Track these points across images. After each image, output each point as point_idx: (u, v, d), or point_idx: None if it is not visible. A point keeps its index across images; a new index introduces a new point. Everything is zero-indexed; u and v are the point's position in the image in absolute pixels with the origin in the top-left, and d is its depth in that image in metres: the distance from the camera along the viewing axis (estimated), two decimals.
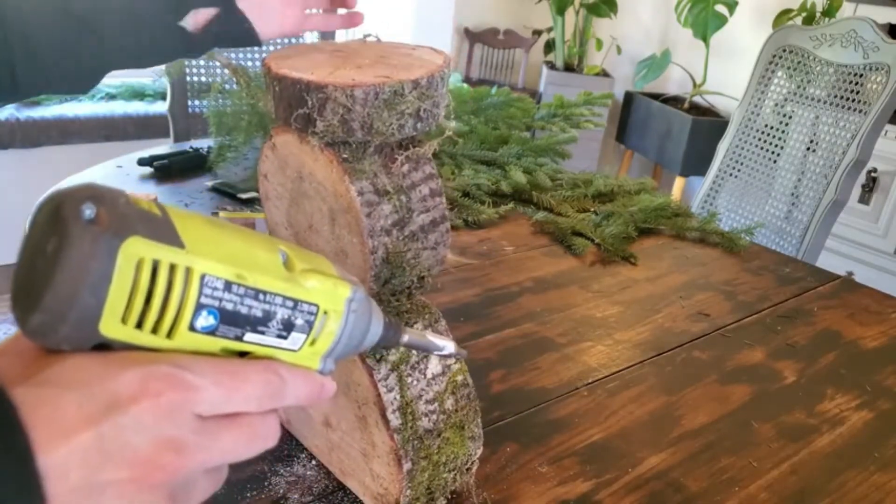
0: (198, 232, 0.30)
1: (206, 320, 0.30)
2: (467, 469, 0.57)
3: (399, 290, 0.54)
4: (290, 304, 0.33)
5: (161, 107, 2.56)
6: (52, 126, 2.43)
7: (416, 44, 0.55)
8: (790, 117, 1.73)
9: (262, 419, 0.32)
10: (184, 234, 0.29)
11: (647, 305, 0.96)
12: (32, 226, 0.28)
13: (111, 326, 0.28)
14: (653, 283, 1.03)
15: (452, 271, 1.01)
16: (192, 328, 0.30)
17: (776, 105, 1.77)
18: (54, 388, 0.27)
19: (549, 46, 3.60)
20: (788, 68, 1.75)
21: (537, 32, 3.59)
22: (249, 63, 1.85)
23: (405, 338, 0.41)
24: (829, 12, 2.65)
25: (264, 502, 0.57)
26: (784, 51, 1.75)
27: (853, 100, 1.62)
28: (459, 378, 0.55)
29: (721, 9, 2.86)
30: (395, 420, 0.51)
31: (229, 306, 0.30)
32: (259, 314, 0.31)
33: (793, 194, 1.68)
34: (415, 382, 0.52)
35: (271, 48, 1.88)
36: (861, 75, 1.61)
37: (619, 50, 3.51)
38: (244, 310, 0.31)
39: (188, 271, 0.29)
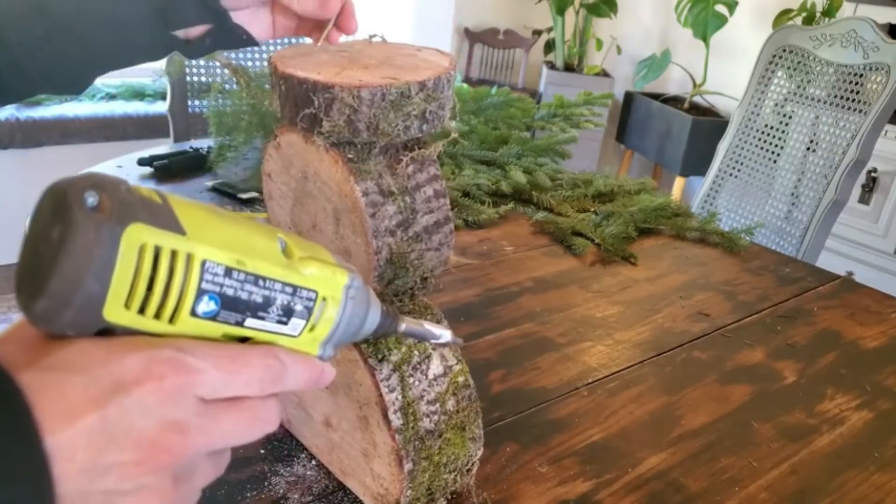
0: (198, 219, 0.30)
1: (207, 305, 0.30)
2: (468, 470, 0.57)
3: (402, 290, 0.54)
4: (289, 290, 0.33)
5: (161, 107, 2.56)
6: (52, 126, 2.43)
7: (421, 45, 0.55)
8: (790, 117, 1.73)
9: (262, 403, 0.33)
10: (184, 221, 0.30)
11: (647, 305, 0.96)
12: (36, 214, 0.29)
13: (115, 312, 0.28)
14: (653, 283, 1.03)
15: (453, 271, 1.01)
16: (193, 313, 0.30)
17: (776, 105, 1.77)
18: (59, 372, 0.28)
19: (549, 46, 3.60)
20: (788, 68, 1.75)
21: (537, 32, 3.59)
22: (249, 63, 1.85)
23: (402, 326, 0.42)
24: (829, 12, 2.66)
25: (264, 502, 0.57)
26: (784, 51, 1.75)
27: (853, 100, 1.62)
28: (461, 379, 0.55)
29: (721, 9, 2.86)
30: (396, 420, 0.51)
31: (230, 292, 0.31)
32: (259, 300, 0.32)
33: (793, 194, 1.69)
34: (417, 383, 0.53)
35: (272, 48, 1.88)
36: (861, 75, 1.61)
37: (619, 50, 3.51)
38: (244, 295, 0.31)
39: (189, 257, 0.29)
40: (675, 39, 3.38)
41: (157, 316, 0.29)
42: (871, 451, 0.70)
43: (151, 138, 2.53)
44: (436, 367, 0.54)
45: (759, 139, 1.77)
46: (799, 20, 2.73)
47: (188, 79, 1.83)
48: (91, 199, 0.27)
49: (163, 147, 1.40)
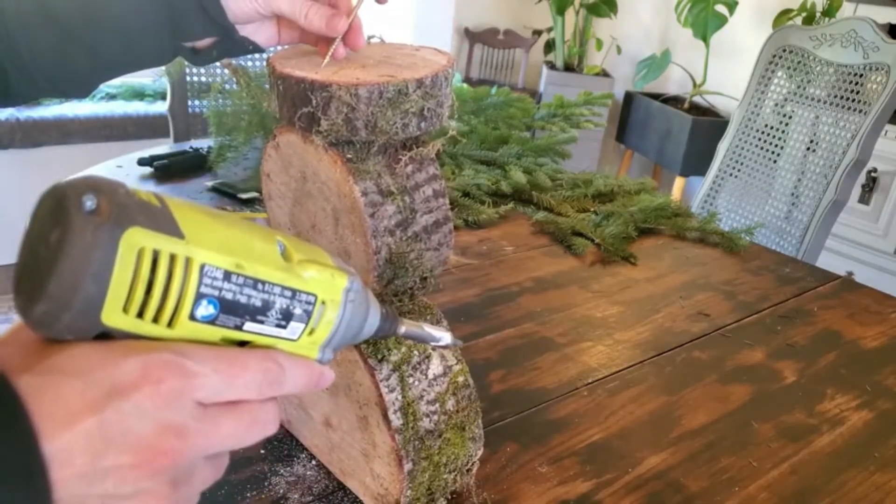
0: (196, 222, 0.30)
1: (206, 309, 0.30)
2: (468, 470, 0.57)
3: (402, 290, 0.54)
4: (288, 293, 0.33)
5: (161, 107, 2.56)
6: (52, 126, 2.43)
7: (419, 44, 0.55)
8: (790, 117, 1.73)
9: (261, 406, 0.33)
10: (183, 225, 0.30)
11: (647, 305, 0.96)
12: (34, 218, 0.29)
13: (113, 316, 0.28)
14: (653, 283, 1.03)
15: (453, 271, 1.01)
16: (192, 317, 0.30)
17: (776, 105, 1.77)
18: (57, 375, 0.28)
19: (549, 46, 3.60)
20: (788, 68, 1.75)
21: (537, 32, 3.59)
22: (249, 63, 1.85)
23: (402, 328, 0.42)
24: (829, 12, 2.65)
25: (264, 502, 0.57)
26: (784, 51, 1.75)
27: (853, 100, 1.62)
28: (461, 379, 0.55)
29: (721, 9, 2.86)
30: (396, 420, 0.51)
31: (229, 296, 0.31)
32: (258, 303, 0.32)
33: (793, 194, 1.68)
34: (416, 383, 0.52)
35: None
36: (861, 75, 1.61)
37: (619, 50, 3.51)
38: (243, 299, 0.31)
39: (188, 261, 0.29)
40: (675, 39, 3.37)
41: (156, 320, 0.29)
42: (871, 451, 0.70)
43: (151, 138, 2.53)
44: (435, 367, 0.54)
45: (759, 139, 1.77)
46: (799, 20, 2.73)
47: (188, 79, 1.83)
48: (89, 202, 0.27)
49: (163, 147, 1.40)
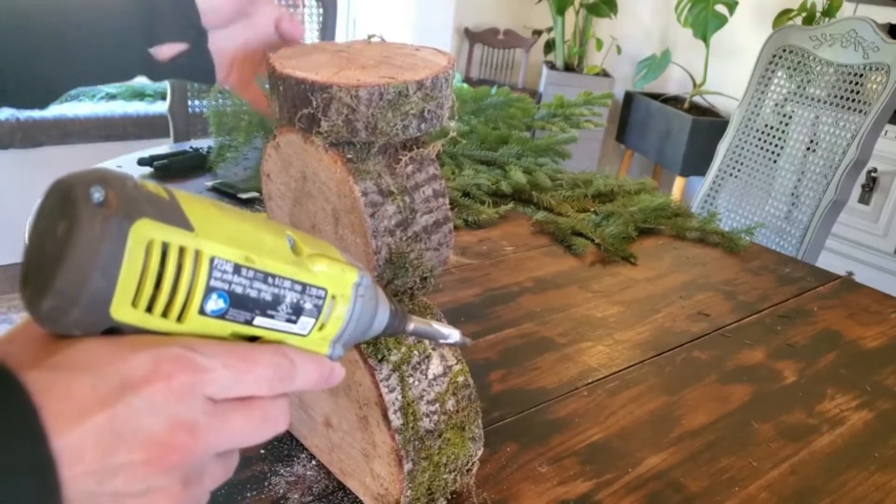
0: (206, 215, 0.30)
1: (216, 303, 0.30)
2: (468, 470, 0.57)
3: (402, 290, 0.54)
4: (298, 287, 0.32)
5: (161, 107, 2.56)
6: (52, 126, 2.43)
7: (420, 45, 0.55)
8: (790, 117, 1.73)
9: (272, 402, 0.32)
10: (192, 217, 0.29)
11: (647, 305, 0.96)
12: (40, 211, 0.28)
13: (122, 310, 0.28)
14: (653, 283, 1.03)
15: (453, 271, 1.01)
16: (202, 312, 0.30)
17: (776, 105, 1.77)
18: (66, 371, 0.27)
19: (549, 46, 3.60)
20: (788, 68, 1.75)
21: (537, 32, 3.59)
22: None
23: (411, 325, 0.41)
24: (829, 12, 2.66)
25: (264, 502, 0.57)
26: (784, 51, 1.75)
27: (853, 100, 1.62)
28: (461, 379, 0.55)
29: (721, 9, 2.86)
30: (396, 420, 0.51)
31: (239, 289, 0.30)
32: (268, 297, 0.31)
33: (793, 194, 1.69)
34: (416, 383, 0.53)
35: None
36: (861, 75, 1.61)
37: (619, 50, 3.51)
38: (253, 293, 0.31)
39: (198, 254, 0.29)
40: (675, 39, 3.38)
41: (165, 314, 0.29)
42: (871, 451, 0.70)
43: (151, 138, 2.53)
44: (435, 367, 0.54)
45: (759, 139, 1.77)
46: (799, 20, 2.73)
47: None
48: (97, 194, 0.27)
49: (163, 147, 1.40)
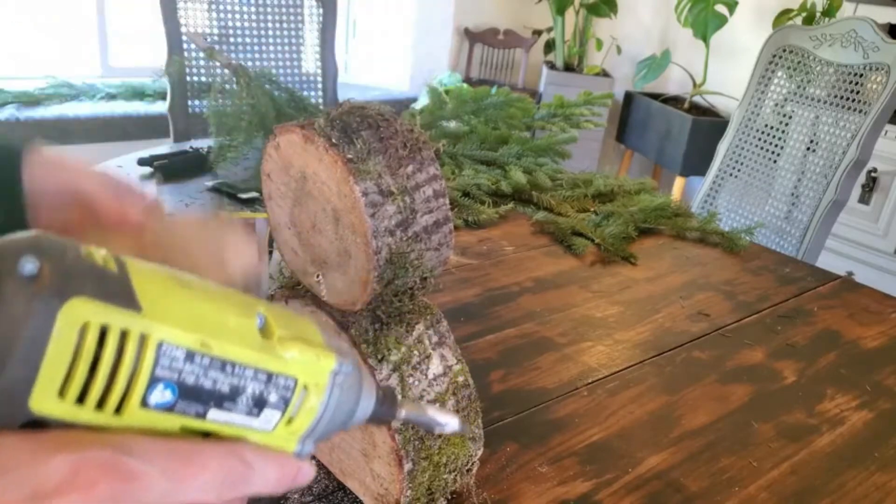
0: (159, 291, 0.27)
1: (161, 395, 0.26)
2: (468, 470, 0.57)
3: (402, 290, 0.54)
4: (262, 377, 0.28)
5: (161, 107, 2.56)
6: (52, 126, 2.43)
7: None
8: (790, 117, 1.73)
9: None
10: (141, 294, 0.26)
11: (647, 305, 0.96)
12: None
13: (45, 401, 0.24)
14: (653, 283, 1.03)
15: (453, 271, 1.01)
16: (144, 404, 0.26)
17: (776, 105, 1.77)
18: None
19: (549, 46, 3.60)
20: (788, 68, 1.75)
21: (537, 32, 3.59)
22: (249, 63, 1.85)
23: (402, 412, 0.36)
24: (829, 12, 2.66)
25: (264, 502, 0.57)
26: (784, 51, 1.75)
27: (853, 100, 1.62)
28: (461, 379, 0.55)
29: (721, 9, 2.86)
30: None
31: (190, 379, 0.26)
32: (226, 389, 0.27)
33: (793, 194, 1.69)
34: (416, 383, 0.53)
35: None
36: (861, 75, 1.61)
37: (619, 50, 3.51)
38: (208, 383, 0.27)
39: (143, 338, 0.25)
40: (675, 39, 3.38)
41: (100, 406, 0.25)
42: (871, 451, 0.70)
43: (151, 138, 2.53)
44: (436, 367, 0.54)
45: (759, 139, 1.77)
46: (799, 20, 2.73)
47: (188, 79, 1.83)
48: (29, 265, 0.23)
49: (163, 147, 1.40)
